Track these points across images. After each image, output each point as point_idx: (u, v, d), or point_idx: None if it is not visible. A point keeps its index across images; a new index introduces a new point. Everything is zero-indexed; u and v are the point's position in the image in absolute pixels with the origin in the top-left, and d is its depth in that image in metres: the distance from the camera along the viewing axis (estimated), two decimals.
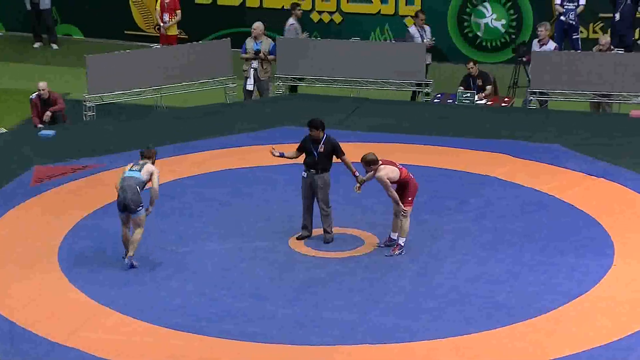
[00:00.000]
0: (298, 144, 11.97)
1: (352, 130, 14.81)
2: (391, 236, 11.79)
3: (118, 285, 10.99)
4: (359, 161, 11.63)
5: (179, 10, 18.37)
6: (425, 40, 17.00)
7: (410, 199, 11.59)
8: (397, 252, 11.59)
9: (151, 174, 11.38)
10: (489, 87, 16.45)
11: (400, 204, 11.55)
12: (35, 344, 9.98)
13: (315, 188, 11.82)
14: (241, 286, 11.00)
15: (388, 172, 11.50)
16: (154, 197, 11.41)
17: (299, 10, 18.06)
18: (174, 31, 18.41)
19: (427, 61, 16.79)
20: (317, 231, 12.06)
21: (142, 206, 11.32)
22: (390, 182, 11.50)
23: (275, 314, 10.45)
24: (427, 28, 17.28)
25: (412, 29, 17.30)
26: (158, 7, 18.45)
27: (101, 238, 12.02)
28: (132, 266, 11.32)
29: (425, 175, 13.56)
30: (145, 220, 11.39)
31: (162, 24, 18.30)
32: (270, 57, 16.73)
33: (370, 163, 11.56)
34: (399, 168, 11.61)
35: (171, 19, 18.29)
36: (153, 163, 11.52)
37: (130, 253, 11.34)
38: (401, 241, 11.61)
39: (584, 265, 11.25)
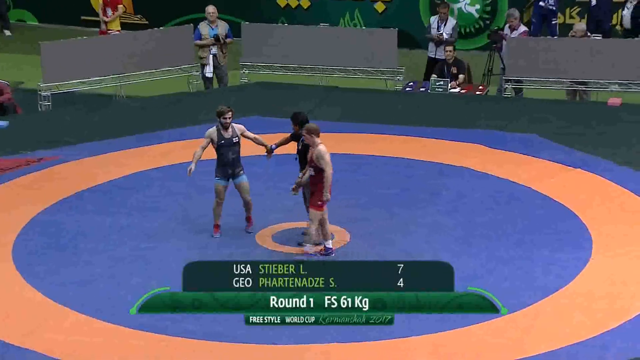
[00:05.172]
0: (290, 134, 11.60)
1: (322, 120, 14.50)
2: (326, 245, 11.20)
3: (76, 284, 10.66)
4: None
5: (121, 5, 17.91)
6: (435, 32, 16.61)
7: (320, 202, 10.97)
8: (321, 256, 11.09)
9: (241, 131, 11.50)
10: (461, 76, 16.20)
11: (326, 195, 10.93)
12: None
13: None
14: None
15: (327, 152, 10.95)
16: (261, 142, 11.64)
17: None
18: (115, 26, 17.87)
19: (430, 53, 16.63)
20: (283, 225, 11.78)
21: (240, 170, 11.50)
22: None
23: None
24: (451, 22, 16.77)
25: (433, 19, 16.91)
26: (100, 1, 17.96)
27: (58, 234, 11.70)
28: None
29: (396, 166, 13.43)
30: (248, 185, 11.50)
31: (104, 18, 17.75)
32: (229, 40, 16.45)
33: (314, 132, 10.90)
34: None
35: (114, 12, 17.79)
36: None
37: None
38: (327, 243, 11.15)
39: (561, 259, 11.07)
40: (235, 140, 11.49)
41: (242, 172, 11.58)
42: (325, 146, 10.98)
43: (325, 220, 11.14)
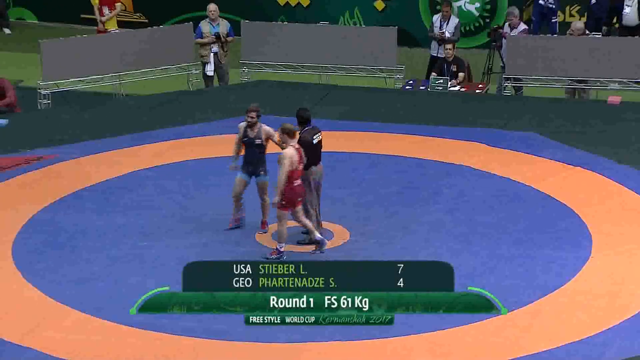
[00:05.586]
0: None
1: (322, 118, 14.48)
2: (317, 238, 11.19)
3: (76, 282, 10.64)
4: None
5: (119, 3, 17.77)
6: (437, 31, 16.54)
7: (284, 202, 10.93)
8: (274, 256, 11.04)
9: (268, 135, 11.39)
10: (461, 74, 16.15)
11: (275, 198, 10.93)
12: None
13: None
14: None
15: (293, 155, 10.87)
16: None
17: None
18: (112, 25, 17.71)
19: (433, 51, 16.52)
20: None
21: (261, 170, 11.43)
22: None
23: None
24: (453, 21, 16.67)
25: (435, 18, 16.85)
26: (97, 0, 17.86)
27: (57, 233, 11.67)
28: None
29: (396, 165, 13.39)
30: (266, 185, 11.45)
31: (100, 18, 17.61)
32: (230, 38, 16.39)
33: (288, 132, 10.90)
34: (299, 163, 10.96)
35: (111, 11, 17.67)
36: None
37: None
38: (279, 246, 11.09)
39: (561, 257, 11.06)
40: (257, 142, 11.41)
41: (262, 172, 11.51)
42: (293, 150, 10.89)
43: (301, 217, 11.09)
